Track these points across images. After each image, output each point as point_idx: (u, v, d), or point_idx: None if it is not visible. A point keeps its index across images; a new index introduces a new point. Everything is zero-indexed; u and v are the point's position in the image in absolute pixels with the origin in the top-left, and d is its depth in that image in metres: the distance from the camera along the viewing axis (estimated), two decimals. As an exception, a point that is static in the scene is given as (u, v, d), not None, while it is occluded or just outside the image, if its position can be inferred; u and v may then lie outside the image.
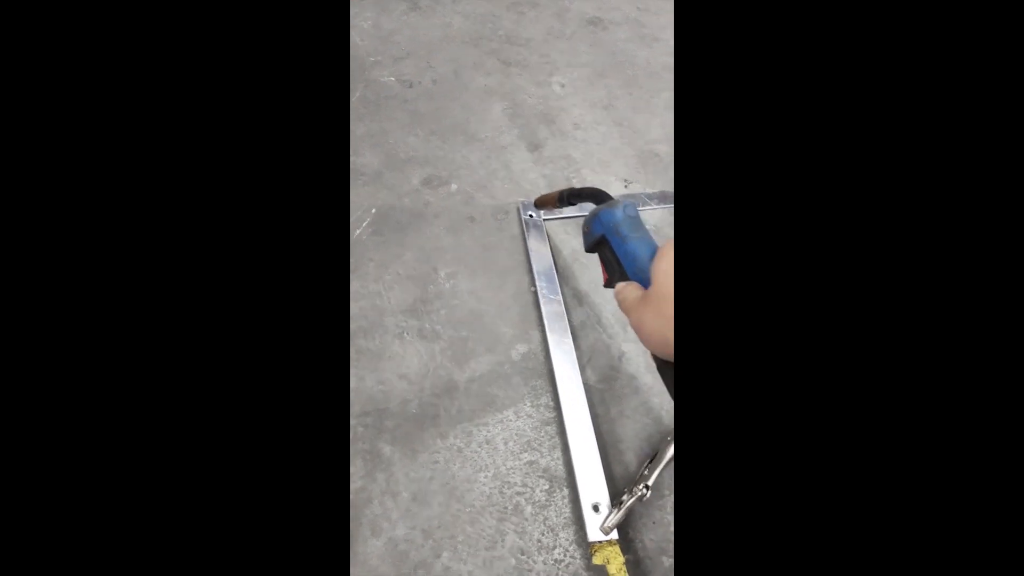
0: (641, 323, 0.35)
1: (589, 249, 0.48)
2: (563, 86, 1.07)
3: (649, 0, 1.28)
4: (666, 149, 0.97)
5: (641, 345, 0.72)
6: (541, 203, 0.67)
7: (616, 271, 0.43)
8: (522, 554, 0.56)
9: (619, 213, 0.44)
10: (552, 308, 0.73)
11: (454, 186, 0.89)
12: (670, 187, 0.91)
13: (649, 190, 0.90)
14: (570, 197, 0.59)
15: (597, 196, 0.50)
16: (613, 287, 0.42)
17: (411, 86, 1.05)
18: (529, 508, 0.59)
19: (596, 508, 0.57)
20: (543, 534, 0.57)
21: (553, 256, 0.80)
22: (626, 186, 0.91)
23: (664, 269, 0.33)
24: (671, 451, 0.60)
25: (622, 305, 0.38)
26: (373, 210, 0.85)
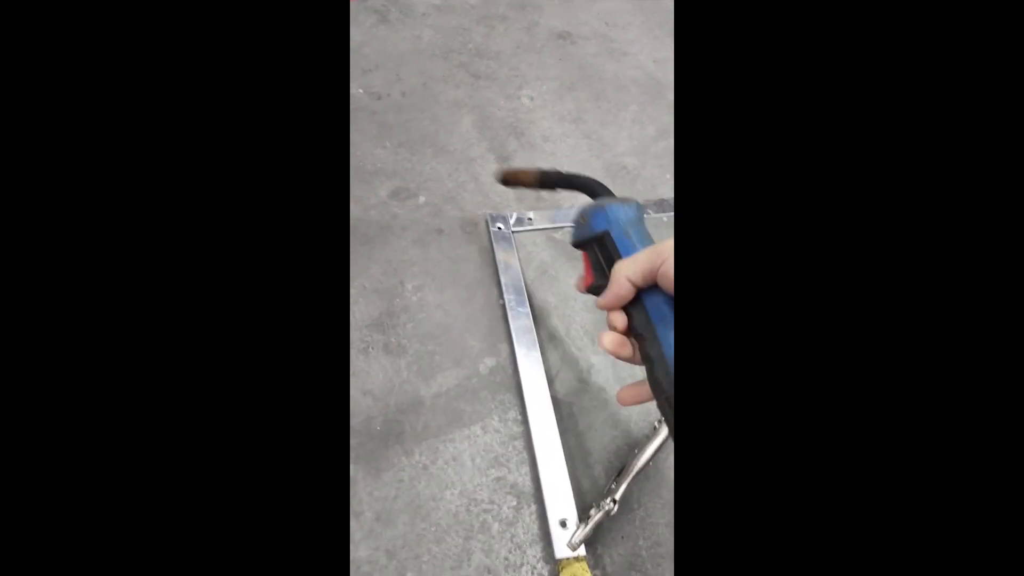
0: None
1: (580, 244, 0.41)
2: (532, 99, 1.08)
3: (617, 15, 1.30)
4: (633, 162, 0.98)
5: (610, 358, 0.72)
6: (512, 178, 0.50)
7: (607, 276, 0.37)
8: (488, 573, 0.55)
9: (633, 212, 0.38)
10: (520, 321, 0.73)
11: (422, 198, 0.89)
12: (638, 200, 0.92)
13: (617, 202, 0.91)
14: (558, 181, 0.47)
15: (593, 189, 0.43)
16: (595, 293, 0.37)
17: (379, 98, 1.04)
18: (496, 525, 0.58)
19: (564, 524, 0.56)
20: (510, 552, 0.56)
21: (522, 268, 0.79)
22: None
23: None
24: (639, 464, 0.60)
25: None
26: (339, 223, 0.84)
